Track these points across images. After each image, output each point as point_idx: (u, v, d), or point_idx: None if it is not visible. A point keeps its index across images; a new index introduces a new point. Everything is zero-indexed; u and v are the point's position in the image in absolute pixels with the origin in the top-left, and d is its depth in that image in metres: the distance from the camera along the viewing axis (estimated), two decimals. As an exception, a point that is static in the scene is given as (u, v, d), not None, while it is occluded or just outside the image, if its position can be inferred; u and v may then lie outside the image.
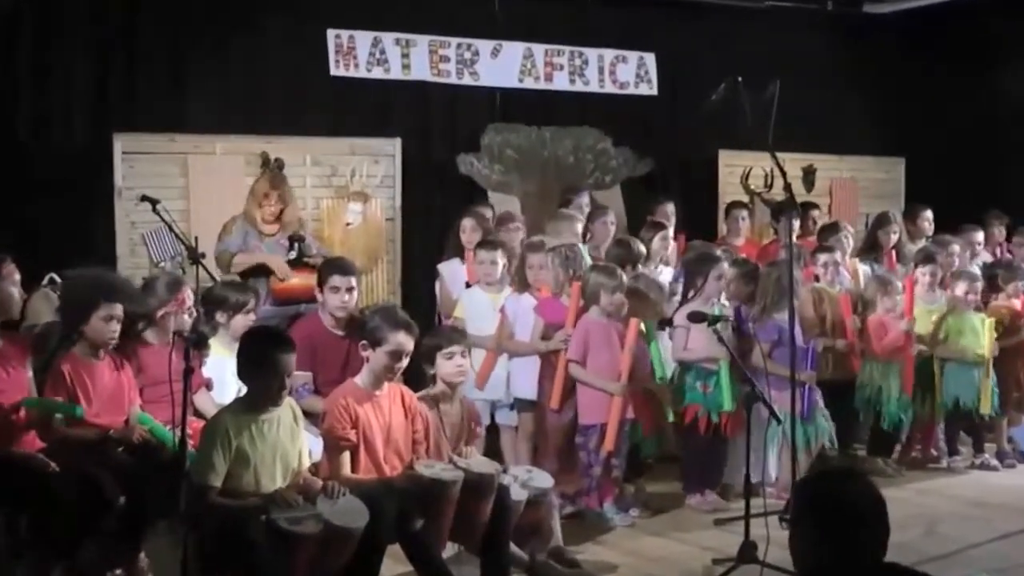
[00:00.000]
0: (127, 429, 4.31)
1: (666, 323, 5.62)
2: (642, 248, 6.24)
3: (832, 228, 7.26)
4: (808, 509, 2.55)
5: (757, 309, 5.83)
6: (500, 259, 5.84)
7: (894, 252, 7.46)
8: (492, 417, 5.75)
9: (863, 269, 7.13)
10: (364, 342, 4.35)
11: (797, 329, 5.33)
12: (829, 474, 2.83)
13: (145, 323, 4.66)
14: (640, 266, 6.14)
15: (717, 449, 5.66)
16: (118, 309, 4.40)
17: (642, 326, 5.42)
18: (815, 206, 8.19)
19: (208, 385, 4.74)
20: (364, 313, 4.54)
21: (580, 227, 6.39)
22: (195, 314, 4.83)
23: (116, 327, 4.41)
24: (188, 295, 4.80)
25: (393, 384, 4.43)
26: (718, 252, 6.05)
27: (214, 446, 3.84)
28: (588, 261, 5.72)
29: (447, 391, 4.60)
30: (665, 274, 6.43)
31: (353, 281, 5.21)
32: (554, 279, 5.60)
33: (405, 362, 4.39)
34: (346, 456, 4.23)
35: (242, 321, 4.97)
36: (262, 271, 6.06)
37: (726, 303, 5.67)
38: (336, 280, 5.16)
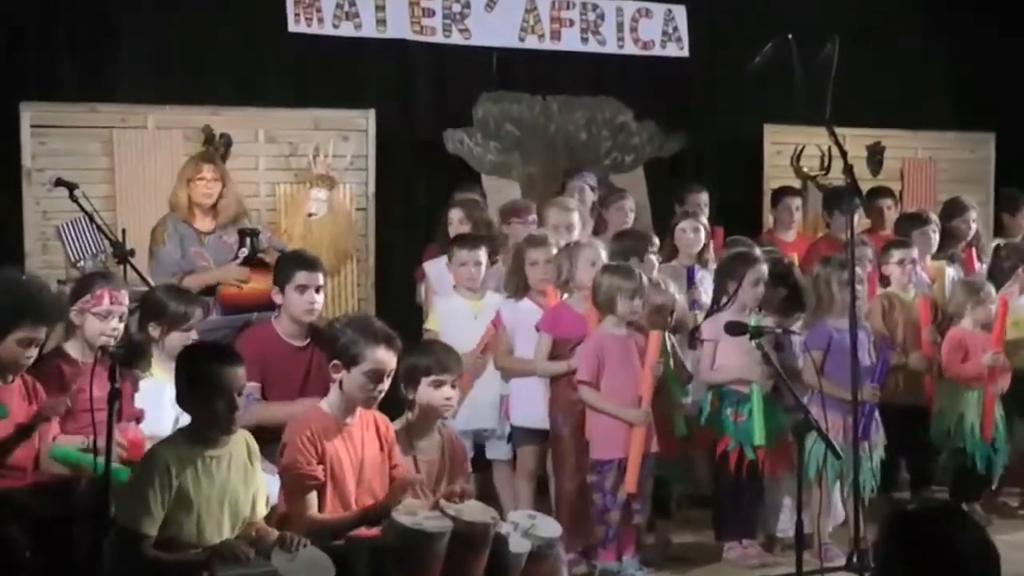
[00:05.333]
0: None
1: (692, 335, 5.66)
2: (653, 238, 6.25)
3: (914, 219, 7.24)
4: (901, 552, 2.48)
5: (806, 314, 5.85)
6: (484, 259, 5.88)
7: (973, 249, 7.44)
8: (478, 450, 5.77)
9: (949, 272, 7.10)
10: (336, 362, 4.37)
11: (862, 338, 5.34)
12: (929, 511, 2.70)
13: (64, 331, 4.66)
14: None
15: (751, 490, 5.68)
16: (41, 333, 4.38)
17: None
18: (888, 193, 8.13)
19: (139, 419, 4.73)
20: (334, 325, 4.55)
21: (574, 217, 6.36)
22: (117, 332, 4.79)
23: (33, 353, 4.39)
24: (116, 298, 4.77)
25: (365, 411, 4.45)
26: (758, 251, 6.06)
27: (150, 486, 3.85)
28: (600, 260, 5.73)
29: (425, 423, 4.62)
30: (707, 280, 6.39)
31: (321, 278, 5.24)
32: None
33: (387, 384, 4.41)
34: (313, 497, 4.24)
35: (179, 339, 4.93)
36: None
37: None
38: (302, 277, 5.16)
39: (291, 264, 5.27)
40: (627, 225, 6.83)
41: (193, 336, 4.98)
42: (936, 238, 7.13)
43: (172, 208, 6.21)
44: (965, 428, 6.27)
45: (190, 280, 6.00)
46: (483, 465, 5.79)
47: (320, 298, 5.22)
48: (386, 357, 4.36)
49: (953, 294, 6.61)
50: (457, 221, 6.46)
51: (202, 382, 3.97)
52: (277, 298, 5.24)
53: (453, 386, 4.62)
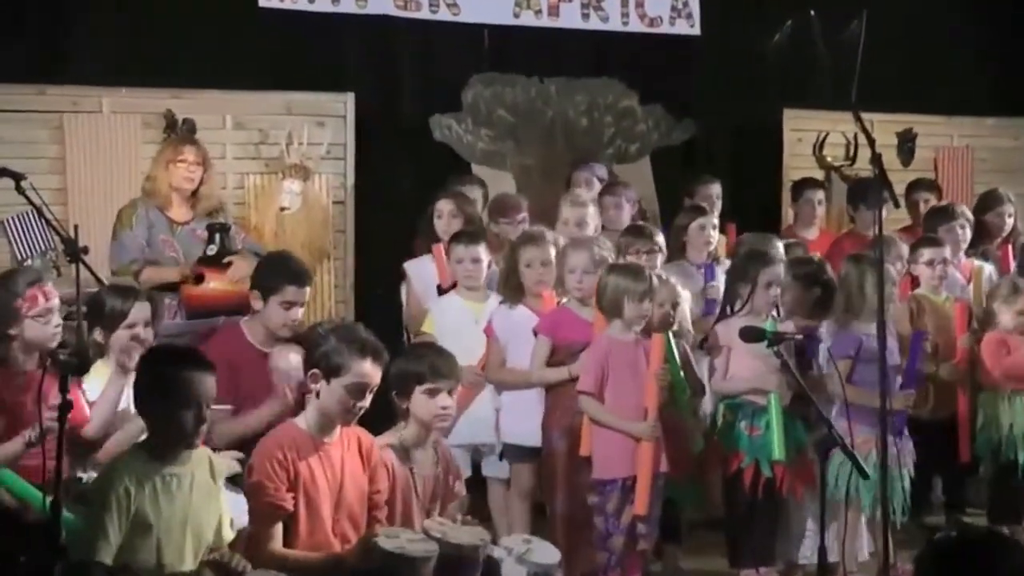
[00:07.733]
0: None
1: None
2: (659, 236, 6.25)
3: (941, 214, 7.23)
4: None
5: (835, 318, 5.84)
6: (484, 256, 5.87)
7: (1009, 245, 7.42)
8: (475, 467, 5.77)
9: (987, 271, 7.09)
10: (315, 371, 4.37)
11: (892, 344, 5.33)
12: (971, 539, 2.77)
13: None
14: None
15: (768, 512, 5.67)
16: None
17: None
18: (928, 186, 8.08)
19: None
20: (317, 331, 4.56)
21: (589, 212, 6.37)
22: (60, 328, 4.77)
23: None
24: (48, 293, 4.74)
25: (347, 427, 4.44)
26: (773, 250, 6.06)
27: (106, 508, 3.83)
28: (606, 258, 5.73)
29: (420, 435, 4.62)
30: (720, 280, 6.39)
31: (308, 294, 5.29)
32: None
33: (368, 400, 4.40)
34: (278, 529, 4.23)
35: (125, 338, 4.93)
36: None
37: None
38: (290, 293, 5.24)
39: (280, 275, 5.32)
40: (627, 222, 6.81)
41: (140, 334, 4.94)
42: (965, 235, 7.12)
43: (146, 194, 6.26)
44: (1016, 439, 6.28)
45: (150, 272, 6.02)
46: (478, 484, 5.79)
47: (301, 313, 5.28)
48: (371, 371, 4.36)
49: (990, 294, 6.61)
50: (448, 215, 6.43)
51: (167, 388, 3.96)
52: (256, 304, 5.29)
53: (450, 393, 4.62)
